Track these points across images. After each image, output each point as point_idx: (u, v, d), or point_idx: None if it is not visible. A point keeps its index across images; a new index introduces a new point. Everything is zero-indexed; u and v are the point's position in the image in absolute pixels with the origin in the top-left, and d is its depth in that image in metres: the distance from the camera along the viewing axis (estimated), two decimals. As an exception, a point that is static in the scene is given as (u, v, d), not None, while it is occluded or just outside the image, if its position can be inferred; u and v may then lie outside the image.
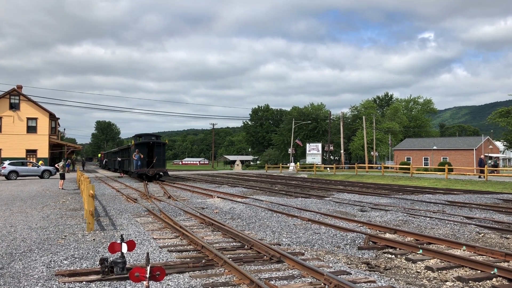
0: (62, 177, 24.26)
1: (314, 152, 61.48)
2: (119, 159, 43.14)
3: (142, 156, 32.02)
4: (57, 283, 6.23)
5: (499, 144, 68.95)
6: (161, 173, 32.65)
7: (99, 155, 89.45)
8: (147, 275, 5.05)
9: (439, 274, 7.08)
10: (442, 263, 7.61)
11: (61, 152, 56.26)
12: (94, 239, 9.48)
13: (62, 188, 23.65)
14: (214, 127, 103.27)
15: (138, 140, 34.65)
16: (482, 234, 10.57)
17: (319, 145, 62.23)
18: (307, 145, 63.73)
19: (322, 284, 6.13)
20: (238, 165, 79.57)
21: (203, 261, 7.38)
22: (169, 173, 38.33)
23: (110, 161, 58.79)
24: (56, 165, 28.36)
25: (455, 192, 22.51)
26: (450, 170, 37.68)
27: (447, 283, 6.62)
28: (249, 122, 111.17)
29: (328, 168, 53.47)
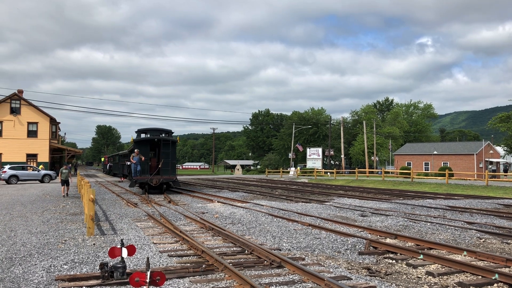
0: (67, 183, 23.07)
1: (314, 156, 61.50)
2: (128, 163, 33.38)
3: (143, 158, 23.98)
4: (57, 288, 6.21)
5: (500, 149, 68.92)
6: (170, 183, 24.65)
7: (102, 158, 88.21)
8: (147, 280, 5.04)
9: (440, 279, 7.05)
10: (443, 269, 7.59)
11: (62, 157, 56.29)
12: (94, 244, 9.46)
13: (67, 194, 22.39)
14: (215, 131, 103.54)
15: (140, 137, 25.81)
16: (483, 239, 10.55)
17: (320, 149, 62.25)
18: (308, 149, 63.74)
19: (323, 289, 6.11)
20: (238, 169, 79.59)
21: (203, 266, 7.36)
22: None
23: (117, 166, 49.07)
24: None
25: (456, 197, 22.49)
26: (451, 175, 37.66)
27: (448, 288, 6.60)
28: (250, 127, 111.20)
29: (328, 173, 53.44)
